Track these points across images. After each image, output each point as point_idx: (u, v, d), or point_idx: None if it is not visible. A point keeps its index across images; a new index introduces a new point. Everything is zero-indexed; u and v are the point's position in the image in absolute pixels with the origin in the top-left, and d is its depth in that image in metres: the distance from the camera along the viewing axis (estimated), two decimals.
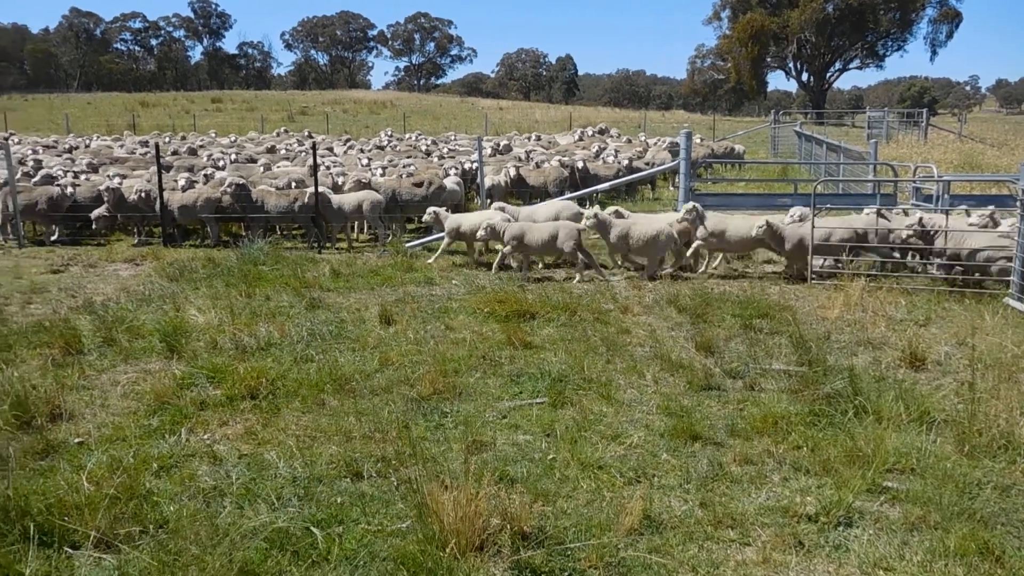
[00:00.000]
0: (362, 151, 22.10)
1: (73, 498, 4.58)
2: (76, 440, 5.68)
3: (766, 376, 6.83)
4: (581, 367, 6.99)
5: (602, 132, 30.52)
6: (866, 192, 15.42)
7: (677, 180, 16.15)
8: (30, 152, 20.63)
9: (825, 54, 69.58)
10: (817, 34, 66.59)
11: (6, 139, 24.53)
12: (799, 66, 71.65)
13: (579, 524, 4.48)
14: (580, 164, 18.09)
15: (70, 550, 4.28)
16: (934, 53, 69.88)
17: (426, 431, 5.79)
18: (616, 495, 4.83)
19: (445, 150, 22.49)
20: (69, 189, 14.46)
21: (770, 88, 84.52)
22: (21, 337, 7.97)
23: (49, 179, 15.31)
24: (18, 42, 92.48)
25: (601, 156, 20.38)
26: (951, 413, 5.95)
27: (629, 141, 26.67)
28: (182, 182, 14.70)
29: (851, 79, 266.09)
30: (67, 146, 23.54)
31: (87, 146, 24.88)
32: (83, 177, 15.96)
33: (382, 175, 16.06)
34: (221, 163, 18.69)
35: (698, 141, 24.31)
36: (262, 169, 17.25)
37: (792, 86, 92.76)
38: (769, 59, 69.98)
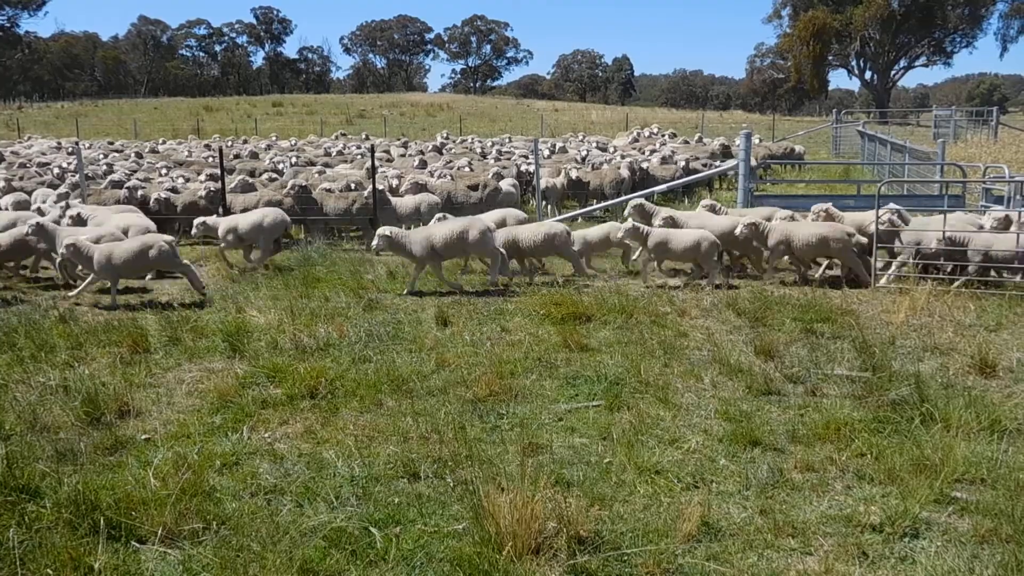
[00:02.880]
0: (422, 152, 22.28)
1: (140, 493, 4.72)
2: (143, 437, 5.84)
3: (828, 381, 6.68)
4: (638, 370, 6.93)
5: (651, 135, 30.22)
6: (933, 193, 15.01)
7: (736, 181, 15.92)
8: (101, 156, 21.34)
9: (890, 52, 67.73)
10: (882, 31, 64.85)
11: (76, 144, 25.39)
12: (862, 64, 69.95)
13: (636, 529, 4.44)
14: (644, 164, 17.94)
15: (137, 544, 4.39)
16: (1005, 49, 67.97)
17: (482, 433, 5.80)
18: (674, 500, 4.78)
19: (495, 152, 22.54)
20: (140, 192, 14.86)
21: (832, 87, 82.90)
22: (92, 336, 8.22)
23: (118, 183, 15.80)
24: (90, 50, 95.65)
25: (659, 157, 20.23)
26: None
27: (686, 142, 26.39)
28: (233, 184, 15.00)
29: (917, 77, 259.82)
30: (136, 151, 24.25)
31: (153, 151, 25.65)
32: (156, 181, 16.46)
33: (438, 177, 16.18)
34: (281, 166, 19.02)
35: (756, 142, 23.93)
36: (316, 173, 17.50)
37: (855, 85, 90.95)
38: (831, 57, 68.42)
